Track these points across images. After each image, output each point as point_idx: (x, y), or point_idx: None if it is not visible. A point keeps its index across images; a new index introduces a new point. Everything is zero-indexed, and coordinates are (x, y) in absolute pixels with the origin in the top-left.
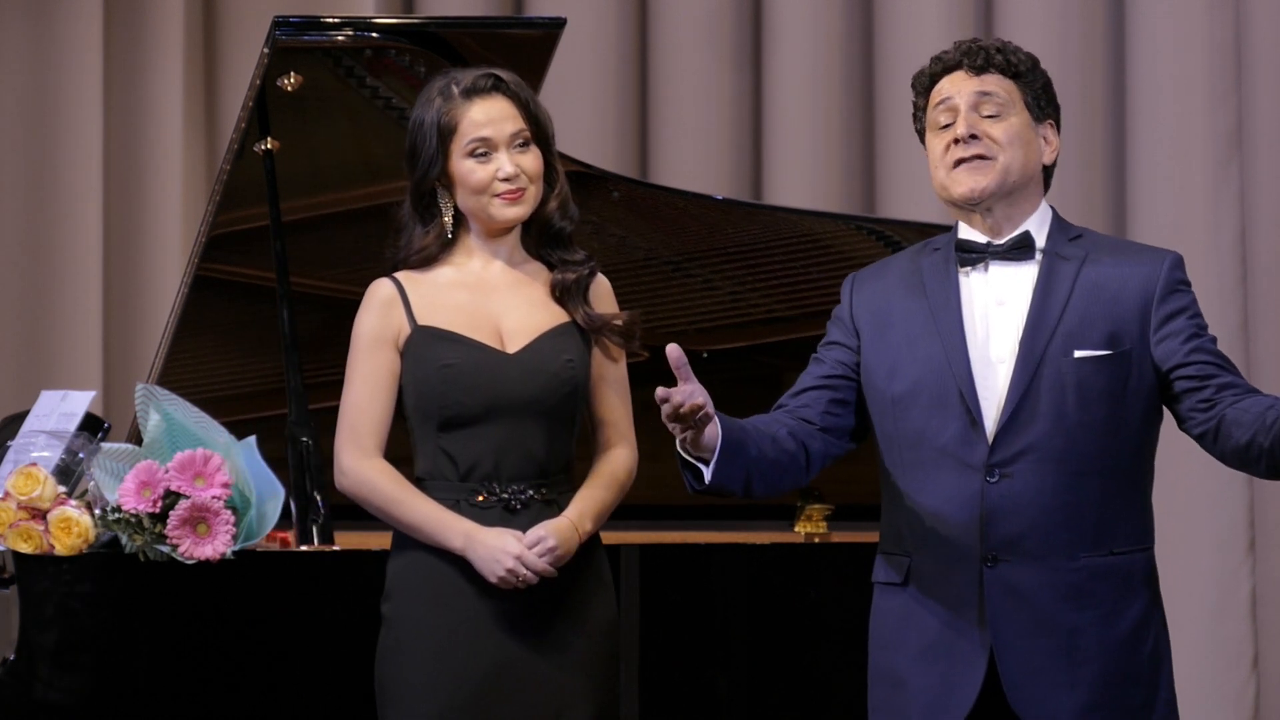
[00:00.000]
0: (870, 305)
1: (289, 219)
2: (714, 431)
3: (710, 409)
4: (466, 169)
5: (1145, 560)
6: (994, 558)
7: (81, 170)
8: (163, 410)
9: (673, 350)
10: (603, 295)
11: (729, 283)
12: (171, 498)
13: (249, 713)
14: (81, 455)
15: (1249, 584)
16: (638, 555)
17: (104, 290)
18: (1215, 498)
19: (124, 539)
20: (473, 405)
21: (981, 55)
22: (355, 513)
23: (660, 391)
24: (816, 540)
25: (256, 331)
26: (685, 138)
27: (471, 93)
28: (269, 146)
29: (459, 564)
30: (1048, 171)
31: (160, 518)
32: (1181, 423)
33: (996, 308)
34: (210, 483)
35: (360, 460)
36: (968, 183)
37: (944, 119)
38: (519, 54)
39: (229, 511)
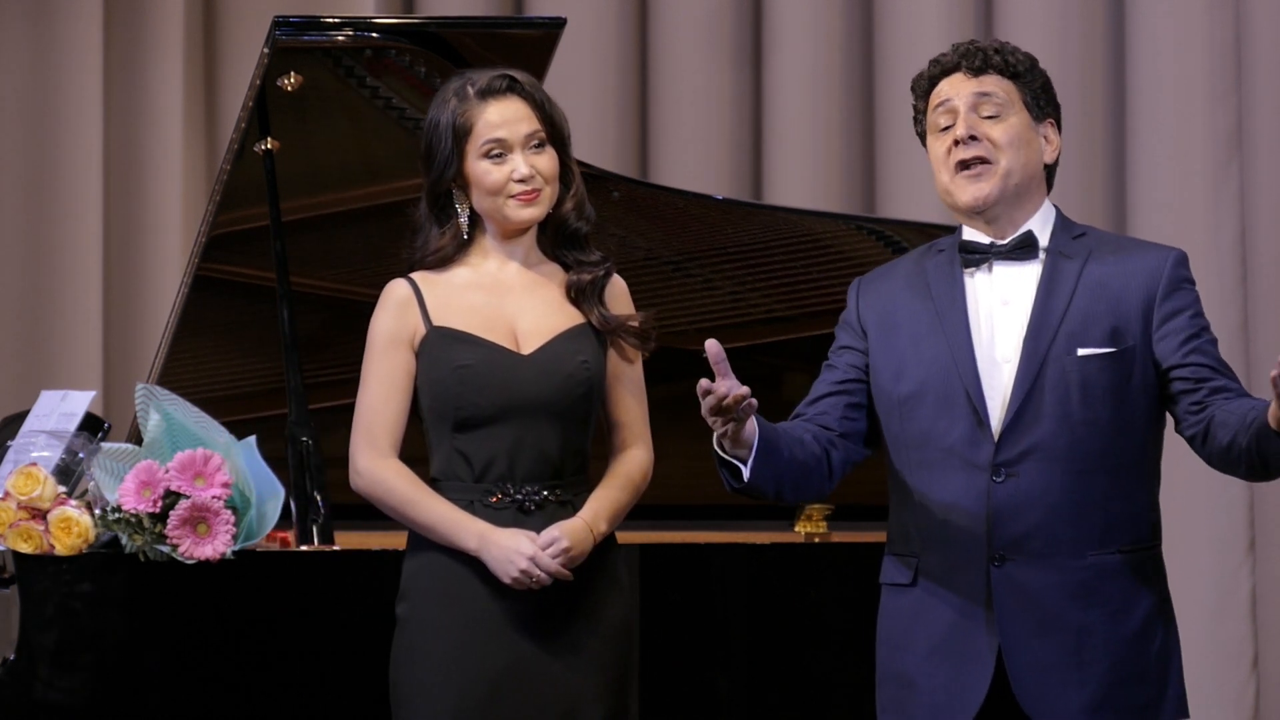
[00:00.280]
0: (876, 308)
1: (289, 219)
2: (752, 428)
3: (754, 401)
4: (482, 170)
5: (1153, 557)
6: (1001, 557)
7: (81, 170)
8: (163, 410)
9: (712, 345)
10: (618, 296)
11: (729, 283)
12: (171, 498)
13: (249, 713)
14: (81, 455)
15: (1249, 584)
16: (638, 555)
17: (104, 290)
18: (1215, 498)
19: (124, 539)
20: (487, 406)
21: (979, 56)
22: (356, 513)
23: (703, 383)
24: (816, 540)
25: (256, 331)
26: (685, 138)
27: (486, 94)
28: (269, 146)
29: (473, 565)
30: (1050, 171)
31: (160, 518)
32: (1176, 424)
33: (1001, 307)
34: (210, 483)
35: (375, 461)
36: (971, 191)
37: (944, 121)
38: (519, 54)
39: (229, 511)
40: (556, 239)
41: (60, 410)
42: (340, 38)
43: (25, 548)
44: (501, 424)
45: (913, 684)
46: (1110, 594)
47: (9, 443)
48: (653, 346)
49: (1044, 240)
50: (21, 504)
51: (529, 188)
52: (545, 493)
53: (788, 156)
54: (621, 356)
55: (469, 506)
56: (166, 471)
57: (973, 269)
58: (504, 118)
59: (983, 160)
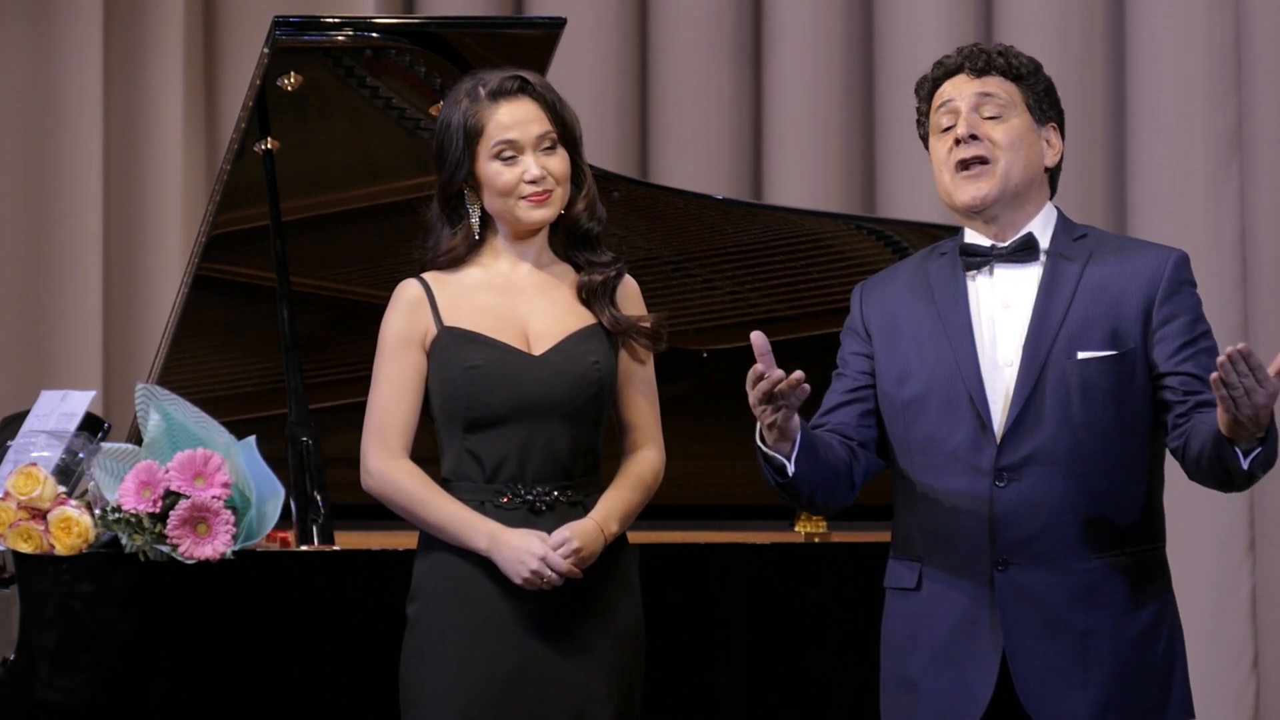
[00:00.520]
0: (880, 312)
1: (289, 219)
2: (796, 422)
3: (808, 386)
4: (493, 171)
5: (1156, 559)
6: (1004, 561)
7: (81, 170)
8: (163, 410)
9: (757, 337)
10: (630, 297)
11: (729, 283)
12: (171, 498)
13: (249, 713)
14: (81, 455)
15: (1249, 584)
16: (638, 555)
17: (104, 290)
18: (1215, 498)
19: (124, 539)
20: (498, 407)
21: (983, 58)
22: (356, 512)
23: (756, 369)
24: (816, 540)
25: (256, 331)
26: (685, 138)
27: (498, 95)
28: (269, 146)
29: (484, 565)
30: (1053, 174)
31: (160, 518)
32: (1164, 433)
33: (1002, 311)
34: (210, 483)
35: (386, 461)
36: (970, 190)
37: (946, 121)
38: (519, 54)
39: (229, 511)
40: (568, 240)
41: (60, 410)
42: (340, 38)
43: (25, 548)
44: (512, 424)
45: (917, 689)
46: (1114, 596)
47: (9, 443)
48: (664, 347)
49: (1044, 242)
50: (21, 504)
51: (540, 189)
52: (556, 493)
53: (788, 156)
54: (633, 357)
55: (480, 507)
56: (166, 471)
57: (974, 272)
58: (515, 119)
59: (982, 160)
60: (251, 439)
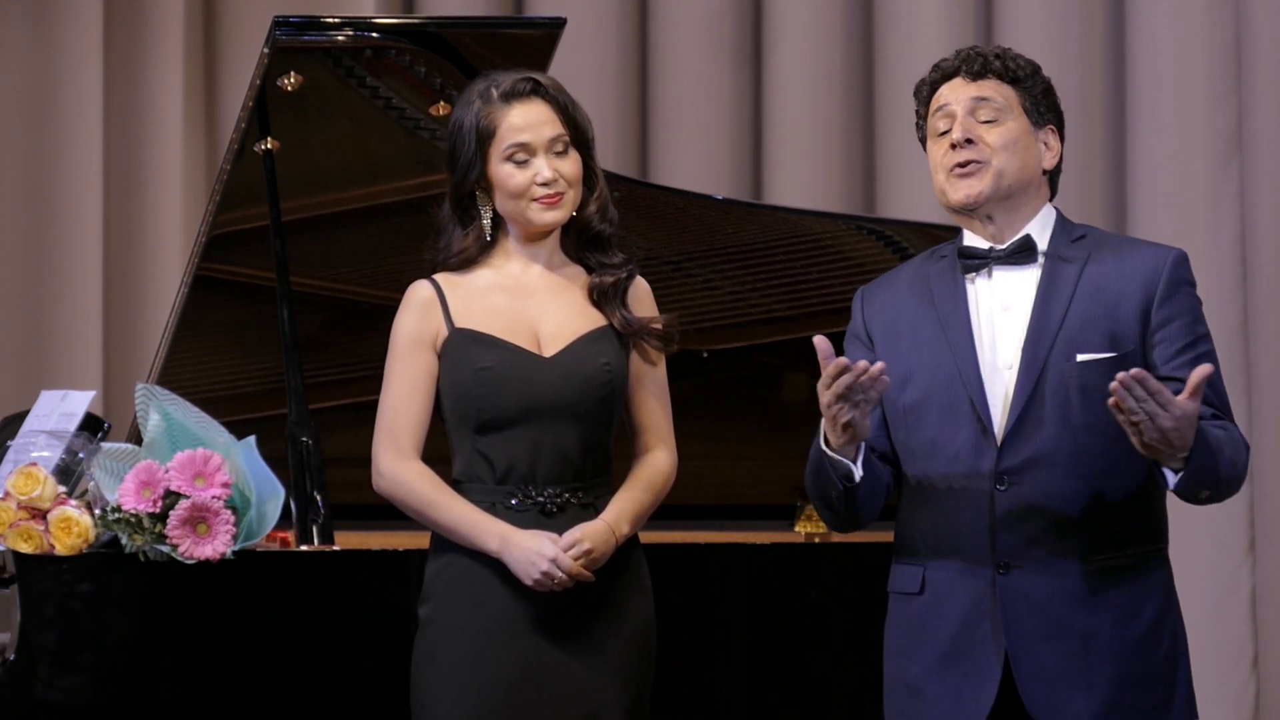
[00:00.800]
0: (881, 317)
1: (289, 219)
2: (868, 423)
3: (888, 379)
4: (505, 173)
5: (1159, 561)
6: (1006, 565)
7: (81, 170)
8: (163, 410)
9: (821, 342)
10: (642, 298)
11: (729, 283)
12: (171, 498)
13: (249, 713)
14: (81, 455)
15: (1249, 584)
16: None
17: (104, 290)
18: None
19: (124, 539)
20: (509, 408)
21: (979, 61)
22: (356, 512)
23: (839, 362)
24: (816, 540)
25: (256, 331)
26: (685, 138)
27: (510, 97)
28: (269, 146)
29: (495, 566)
30: (1052, 176)
31: (160, 518)
32: None
33: (1002, 313)
34: (210, 483)
35: (398, 462)
36: (963, 188)
37: (943, 125)
38: (519, 54)
39: (229, 511)
40: (580, 241)
41: (60, 410)
42: (340, 38)
43: (25, 548)
44: (523, 426)
45: (920, 693)
46: (1117, 598)
47: (9, 443)
48: (675, 348)
49: (1043, 244)
50: (21, 504)
51: (551, 191)
52: (567, 495)
53: (788, 156)
54: (644, 359)
55: (491, 508)
56: (166, 471)
57: (973, 274)
58: (527, 121)
59: (976, 163)
60: (251, 439)
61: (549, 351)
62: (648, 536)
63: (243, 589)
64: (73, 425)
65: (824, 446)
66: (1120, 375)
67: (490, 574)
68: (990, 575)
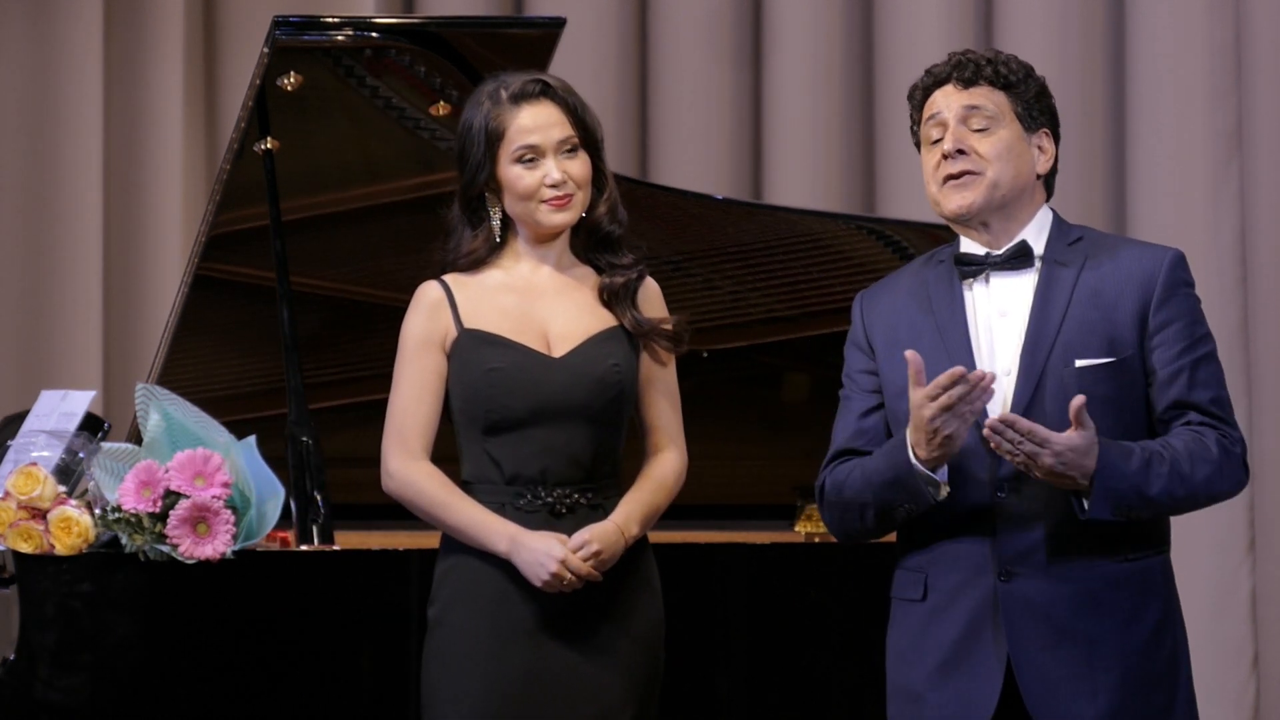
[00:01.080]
0: (881, 323)
1: (289, 219)
2: (963, 437)
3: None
4: (514, 175)
5: (1161, 563)
6: (1008, 572)
7: (81, 170)
8: (163, 410)
9: (913, 356)
10: (652, 299)
11: (729, 283)
12: (171, 497)
13: (249, 712)
14: (81, 455)
15: (1249, 584)
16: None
17: (104, 290)
18: None
19: (124, 539)
20: (518, 409)
21: (970, 68)
22: (356, 513)
23: (954, 372)
24: (816, 540)
25: (256, 331)
26: (685, 138)
27: (520, 98)
28: (269, 146)
29: (504, 567)
30: (1048, 179)
31: (160, 517)
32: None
33: (999, 319)
34: (210, 482)
35: (407, 463)
36: (956, 199)
37: (935, 134)
38: (519, 54)
39: (229, 511)
40: (589, 242)
41: (60, 410)
42: (340, 38)
43: (25, 548)
44: (532, 427)
45: (921, 699)
46: (1119, 603)
47: (9, 443)
48: (685, 349)
49: (1039, 249)
50: (21, 504)
51: (561, 193)
52: (576, 496)
53: (788, 156)
54: (654, 359)
55: (500, 509)
56: (166, 471)
57: (970, 280)
58: (537, 123)
59: (969, 173)
60: (251, 439)
61: (558, 352)
62: (649, 536)
63: (243, 589)
64: (73, 425)
65: (914, 460)
66: (988, 422)
67: (499, 575)
68: (992, 582)
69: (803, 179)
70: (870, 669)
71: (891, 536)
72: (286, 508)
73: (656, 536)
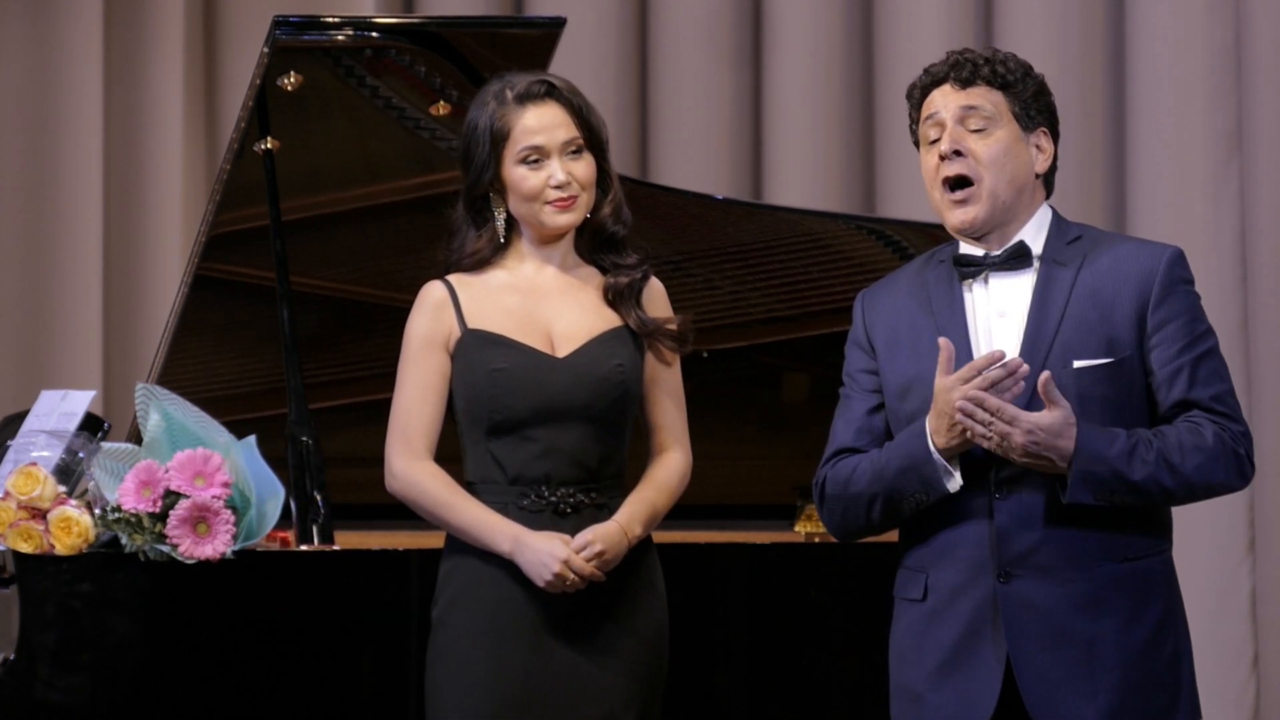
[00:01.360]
0: (881, 323)
1: (289, 219)
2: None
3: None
4: (519, 176)
5: (1162, 563)
6: (1008, 573)
7: (81, 170)
8: (163, 410)
9: (945, 342)
10: (656, 299)
11: (729, 283)
12: (171, 497)
13: (249, 712)
14: (81, 455)
15: (1249, 584)
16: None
17: (104, 290)
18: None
19: (124, 539)
20: (522, 410)
21: (968, 68)
22: (356, 512)
23: (992, 355)
24: (816, 540)
25: (256, 331)
26: (685, 138)
27: (525, 99)
28: (269, 146)
29: (508, 567)
30: (1047, 177)
31: (160, 517)
32: None
33: (998, 320)
34: (210, 482)
35: (410, 463)
36: (959, 215)
37: (933, 134)
38: (519, 54)
39: (229, 511)
40: (593, 243)
41: (60, 410)
42: (340, 37)
43: (25, 548)
44: (536, 428)
45: (921, 699)
46: (1119, 604)
47: (9, 443)
48: (690, 349)
49: (1037, 248)
50: (21, 504)
51: (565, 194)
52: (580, 496)
53: (788, 156)
54: (659, 359)
55: (504, 509)
56: (166, 471)
57: (969, 281)
58: (541, 124)
59: (966, 180)
60: (251, 439)
61: (562, 352)
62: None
63: (243, 589)
64: (73, 425)
65: (932, 448)
66: (958, 403)
67: (502, 575)
68: (991, 583)
69: (803, 179)
70: (870, 669)
71: (893, 536)
72: (286, 508)
73: (657, 536)
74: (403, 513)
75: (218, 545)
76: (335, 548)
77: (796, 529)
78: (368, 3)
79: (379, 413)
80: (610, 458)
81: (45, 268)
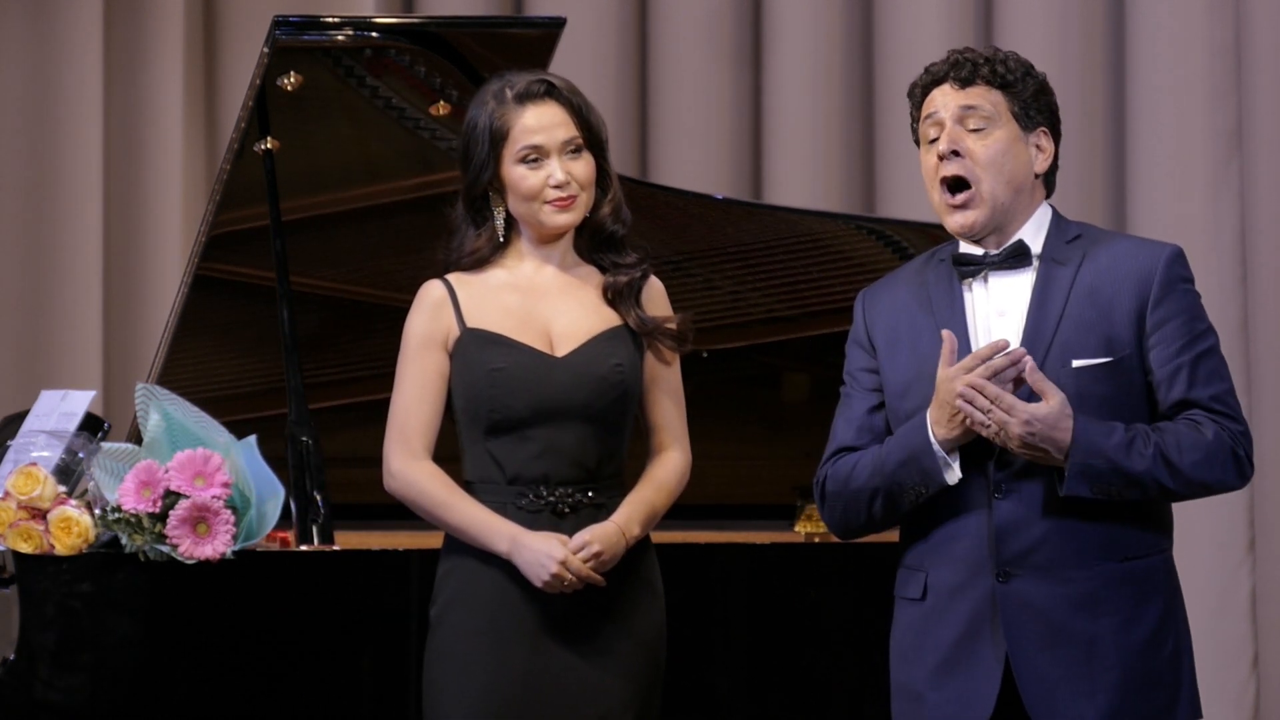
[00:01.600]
0: (882, 321)
1: (289, 219)
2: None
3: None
4: (518, 175)
5: (1162, 562)
6: (1006, 573)
7: (81, 170)
8: (163, 410)
9: (948, 334)
10: (656, 298)
11: (729, 283)
12: (171, 497)
13: (248, 712)
14: (81, 455)
15: (1249, 584)
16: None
17: (104, 290)
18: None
19: (124, 539)
20: (520, 409)
21: (968, 67)
22: (356, 512)
23: (995, 344)
24: (816, 540)
25: (256, 331)
26: (685, 138)
27: (524, 98)
28: (269, 146)
29: (505, 567)
30: (1048, 176)
31: (160, 517)
32: None
33: (997, 319)
34: (210, 483)
35: (409, 463)
36: (959, 219)
37: (932, 133)
38: (519, 54)
39: (229, 511)
40: (593, 242)
41: (60, 410)
42: (340, 37)
43: (25, 548)
44: (535, 427)
45: (921, 698)
46: (1119, 603)
47: (9, 443)
48: (689, 348)
49: (1036, 247)
50: (21, 504)
51: (565, 194)
52: (579, 496)
53: (788, 156)
54: (658, 359)
55: (502, 509)
56: (166, 471)
57: (969, 280)
58: (541, 123)
59: (963, 183)
60: (251, 439)
61: (561, 352)
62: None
63: (243, 589)
64: (73, 425)
65: (932, 438)
66: (960, 389)
67: (500, 575)
68: (990, 582)
69: (803, 179)
70: (870, 669)
71: (893, 535)
72: (286, 508)
73: (656, 537)
74: (403, 513)
75: (218, 545)
76: (335, 548)
77: (796, 529)
78: (368, 3)
79: (379, 413)
80: (609, 457)
81: (45, 268)
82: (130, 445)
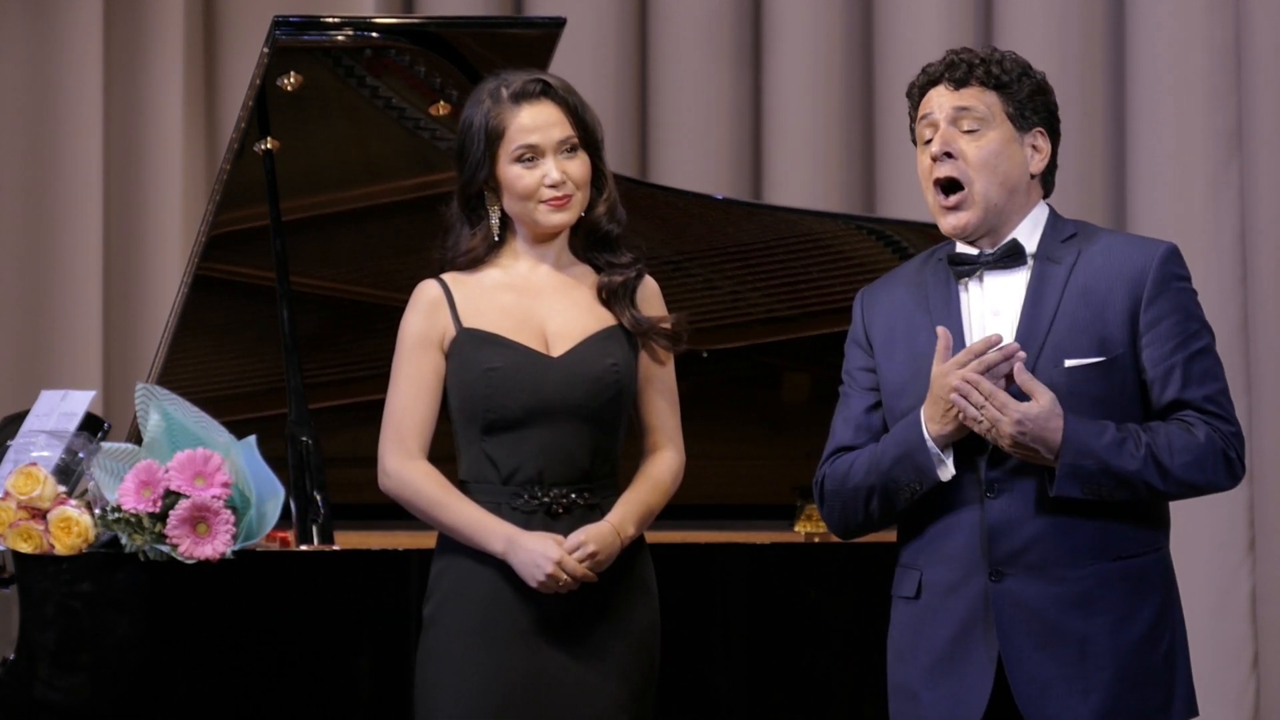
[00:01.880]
0: (880, 321)
1: (289, 219)
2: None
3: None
4: (513, 174)
5: (1158, 561)
6: (999, 572)
7: (81, 170)
8: (163, 410)
9: (943, 331)
10: (650, 298)
11: (729, 283)
12: (171, 497)
13: (248, 712)
14: (81, 455)
15: (1249, 584)
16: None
17: (104, 290)
18: (1215, 497)
19: (124, 539)
20: (516, 409)
21: (963, 68)
22: (356, 512)
23: (989, 339)
24: (816, 540)
25: (256, 331)
26: (685, 138)
27: (520, 97)
28: (269, 146)
29: (500, 567)
30: (1045, 176)
31: (160, 517)
32: None
33: (992, 318)
34: (210, 482)
35: (404, 462)
36: (951, 220)
37: (927, 134)
38: (519, 54)
39: (229, 511)
40: (588, 242)
41: (60, 410)
42: (340, 37)
43: (25, 548)
44: (530, 427)
45: (917, 697)
46: (1112, 602)
47: (9, 443)
48: (684, 348)
49: (1031, 246)
50: (21, 504)
51: (560, 193)
52: (574, 496)
53: (788, 156)
54: (653, 358)
55: (497, 509)
56: (166, 471)
57: (965, 279)
58: (536, 122)
59: (956, 184)
60: (251, 439)
61: (556, 351)
62: (649, 536)
63: (243, 589)
64: (73, 425)
65: (926, 434)
66: (956, 384)
67: (494, 575)
68: (983, 582)
69: (803, 179)
70: (870, 669)
71: (892, 535)
72: (286, 508)
73: (656, 537)
74: (402, 513)
75: (218, 545)
76: (335, 548)
77: (796, 529)
78: (368, 3)
79: (379, 413)
80: (604, 457)
81: (45, 268)
82: (130, 445)
